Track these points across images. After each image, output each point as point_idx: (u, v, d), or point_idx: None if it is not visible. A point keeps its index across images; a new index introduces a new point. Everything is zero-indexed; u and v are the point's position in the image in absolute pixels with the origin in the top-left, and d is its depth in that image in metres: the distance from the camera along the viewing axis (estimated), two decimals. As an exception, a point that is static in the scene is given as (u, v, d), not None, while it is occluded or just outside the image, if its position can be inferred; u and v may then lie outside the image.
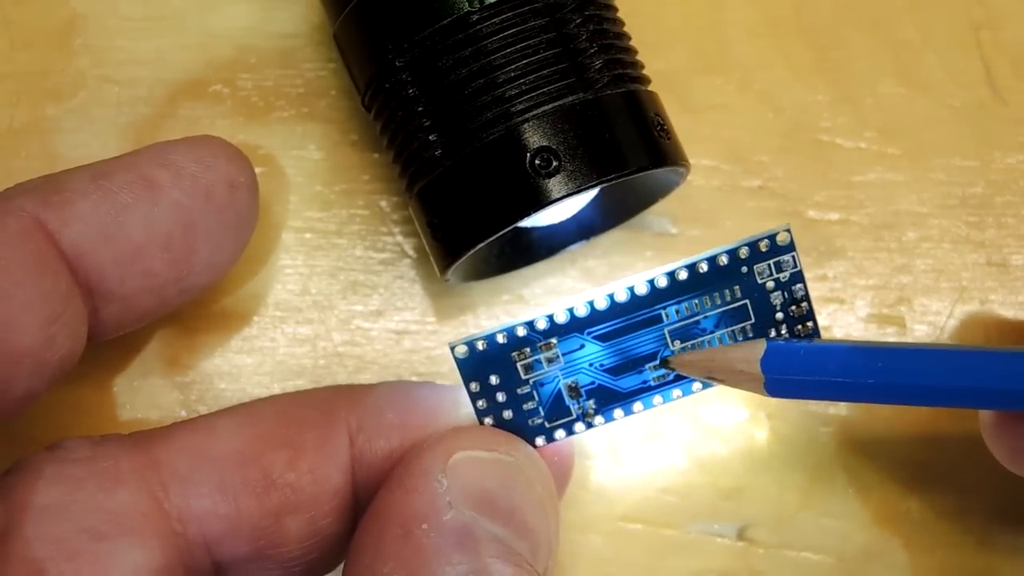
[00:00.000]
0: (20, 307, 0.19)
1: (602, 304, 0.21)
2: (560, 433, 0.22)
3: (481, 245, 0.23)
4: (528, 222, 0.24)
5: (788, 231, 0.21)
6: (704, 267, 0.21)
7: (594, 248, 0.28)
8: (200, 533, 0.20)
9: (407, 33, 0.23)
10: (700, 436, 0.28)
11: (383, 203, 0.28)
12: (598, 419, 0.22)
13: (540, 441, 0.22)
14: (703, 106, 0.29)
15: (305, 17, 0.29)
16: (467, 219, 0.23)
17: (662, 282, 0.21)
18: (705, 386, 0.22)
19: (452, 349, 0.21)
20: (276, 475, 0.21)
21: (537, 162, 0.23)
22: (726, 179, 0.29)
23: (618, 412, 0.22)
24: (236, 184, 0.22)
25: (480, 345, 0.21)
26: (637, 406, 0.22)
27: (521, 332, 0.21)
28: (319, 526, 0.21)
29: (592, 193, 0.26)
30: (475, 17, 0.23)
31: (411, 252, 0.28)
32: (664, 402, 0.22)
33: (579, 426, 0.22)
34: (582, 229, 0.28)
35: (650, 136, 0.24)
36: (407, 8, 0.23)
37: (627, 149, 0.23)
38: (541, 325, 0.21)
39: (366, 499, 0.21)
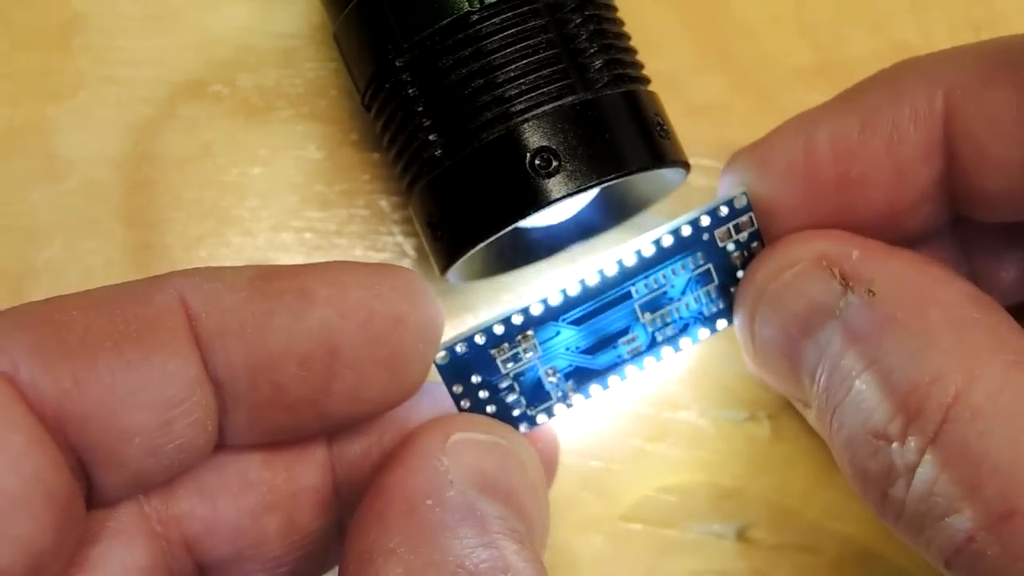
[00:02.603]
0: (139, 381, 0.18)
1: (575, 290, 0.21)
2: (542, 417, 0.22)
3: (481, 245, 0.23)
4: (528, 222, 0.24)
5: (745, 194, 0.21)
6: (669, 240, 0.21)
7: (594, 248, 0.28)
8: (180, 534, 0.20)
9: (407, 33, 0.23)
10: (700, 436, 0.28)
11: (383, 203, 0.28)
12: (576, 397, 0.22)
13: (523, 428, 0.22)
14: (703, 106, 0.29)
15: (305, 17, 0.29)
16: (467, 219, 0.23)
17: (629, 261, 0.21)
18: (676, 350, 0.22)
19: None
20: (251, 474, 0.21)
21: (537, 162, 0.23)
22: (726, 179, 0.29)
23: (595, 388, 0.22)
24: (403, 321, 0.20)
25: (460, 348, 0.21)
26: (613, 380, 0.22)
27: (499, 330, 0.21)
28: (299, 524, 0.21)
29: (592, 193, 0.26)
30: (475, 17, 0.23)
31: (411, 252, 0.28)
32: (640, 371, 0.22)
33: (559, 407, 0.22)
34: (582, 229, 0.28)
35: (650, 136, 0.24)
36: (407, 8, 0.23)
37: (627, 149, 0.23)
38: (517, 320, 0.21)
39: (349, 495, 0.21)
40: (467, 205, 0.23)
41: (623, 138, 0.23)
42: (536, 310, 0.21)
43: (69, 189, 0.28)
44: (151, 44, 0.29)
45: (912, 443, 0.18)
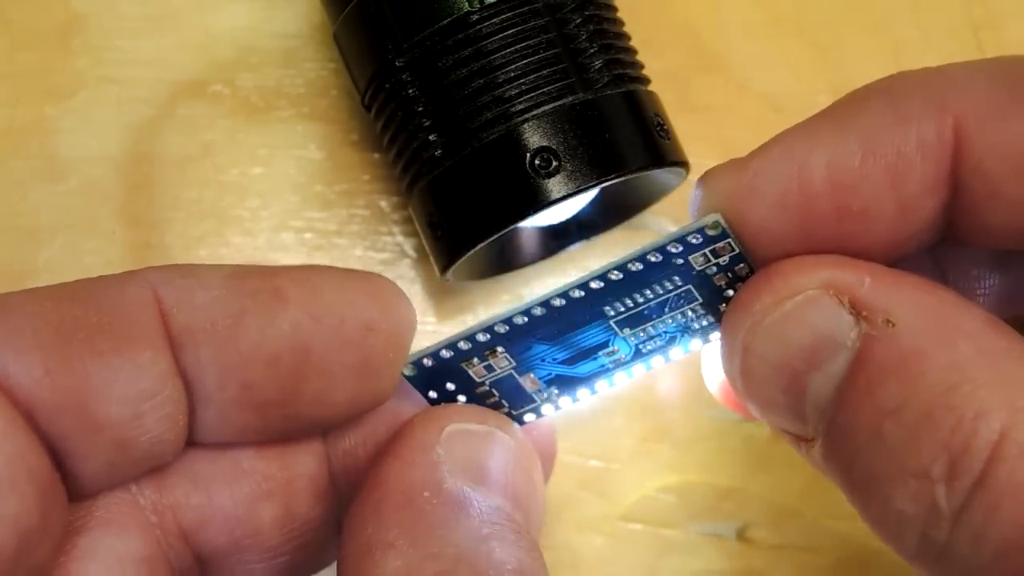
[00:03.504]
0: (111, 373, 0.18)
1: (539, 312, 0.20)
2: (530, 416, 0.22)
3: (481, 245, 0.23)
4: (528, 222, 0.24)
5: (719, 221, 0.20)
6: (637, 266, 0.20)
7: (594, 248, 0.28)
8: (175, 523, 0.20)
9: (407, 33, 0.23)
10: (700, 436, 0.28)
11: (383, 203, 0.28)
12: (564, 400, 0.22)
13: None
14: (703, 106, 0.29)
15: (306, 17, 0.29)
16: (467, 219, 0.23)
17: (596, 285, 0.20)
18: (667, 360, 0.22)
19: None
20: (245, 463, 0.20)
21: (537, 162, 0.23)
22: (726, 179, 0.29)
23: (583, 392, 0.22)
24: (373, 328, 0.20)
25: (427, 362, 0.20)
26: (601, 385, 0.22)
27: (464, 346, 0.20)
28: (296, 513, 0.21)
29: (592, 193, 0.26)
30: (475, 17, 0.23)
31: (411, 252, 0.28)
32: (629, 378, 0.22)
33: (547, 408, 0.22)
34: (582, 229, 0.28)
35: (650, 136, 0.24)
36: (407, 8, 0.23)
37: (627, 149, 0.23)
38: (482, 338, 0.20)
39: (345, 485, 0.21)
40: (467, 205, 0.23)
41: (623, 138, 0.23)
42: (501, 329, 0.20)
43: (69, 189, 0.28)
44: (151, 44, 0.29)
45: (959, 483, 0.17)
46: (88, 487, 0.19)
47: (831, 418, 0.19)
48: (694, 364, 0.28)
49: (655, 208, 0.27)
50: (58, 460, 0.18)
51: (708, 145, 0.29)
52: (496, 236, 0.23)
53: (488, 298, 0.28)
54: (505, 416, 0.21)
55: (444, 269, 0.24)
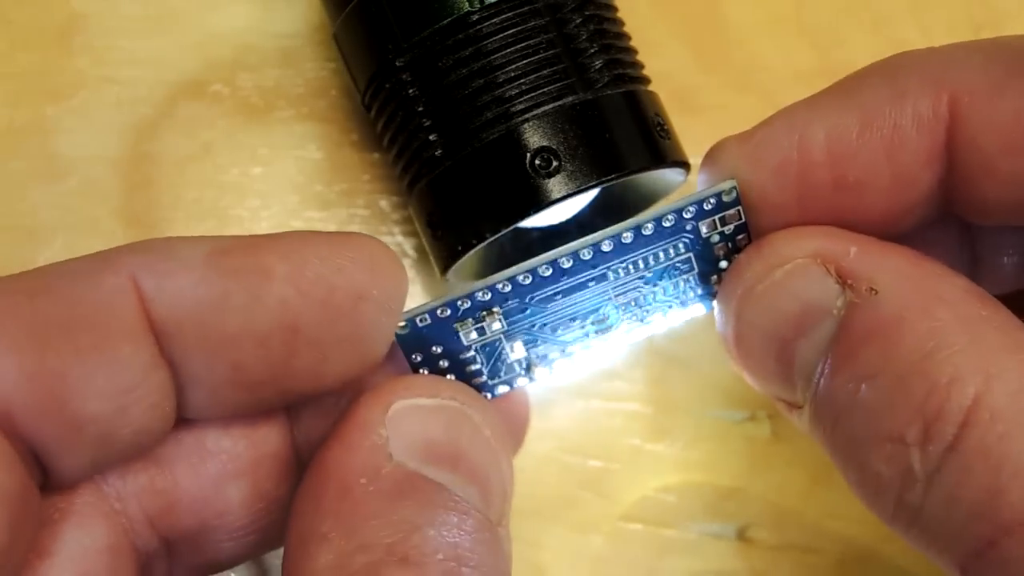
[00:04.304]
0: (90, 369, 0.17)
1: (546, 272, 0.20)
2: (503, 388, 0.22)
3: (481, 245, 0.23)
4: (528, 222, 0.24)
5: (735, 188, 0.20)
6: (649, 228, 0.20)
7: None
8: (140, 510, 0.20)
9: (407, 33, 0.23)
10: (700, 436, 0.28)
11: (383, 203, 0.28)
12: (539, 371, 0.22)
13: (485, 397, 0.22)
14: (703, 106, 0.29)
15: (305, 17, 0.29)
16: (467, 219, 0.23)
17: (607, 247, 0.20)
18: (643, 323, 0.22)
19: None
20: (210, 443, 0.20)
21: (537, 162, 0.23)
22: (726, 179, 0.29)
23: (559, 362, 0.22)
24: (365, 296, 0.19)
25: (420, 320, 0.20)
26: (575, 348, 0.21)
27: (464, 304, 0.20)
28: (263, 491, 0.21)
29: (592, 193, 0.26)
30: (475, 17, 0.23)
31: (411, 252, 0.28)
32: (604, 343, 0.22)
33: (521, 380, 0.21)
34: (582, 229, 0.28)
35: (650, 136, 0.24)
36: (407, 8, 0.23)
37: (627, 149, 0.23)
38: (483, 297, 0.20)
39: (309, 460, 0.21)
40: (467, 205, 0.23)
41: (623, 138, 0.23)
42: (504, 288, 0.20)
43: (69, 189, 0.28)
44: (151, 44, 0.29)
45: (932, 448, 0.17)
46: (68, 480, 0.19)
47: (817, 384, 0.19)
48: (695, 364, 0.28)
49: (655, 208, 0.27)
50: (39, 458, 0.18)
51: (708, 145, 0.29)
52: (496, 236, 0.23)
53: (488, 298, 0.28)
54: (464, 385, 0.21)
55: (444, 269, 0.24)
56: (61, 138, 0.28)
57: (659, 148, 0.24)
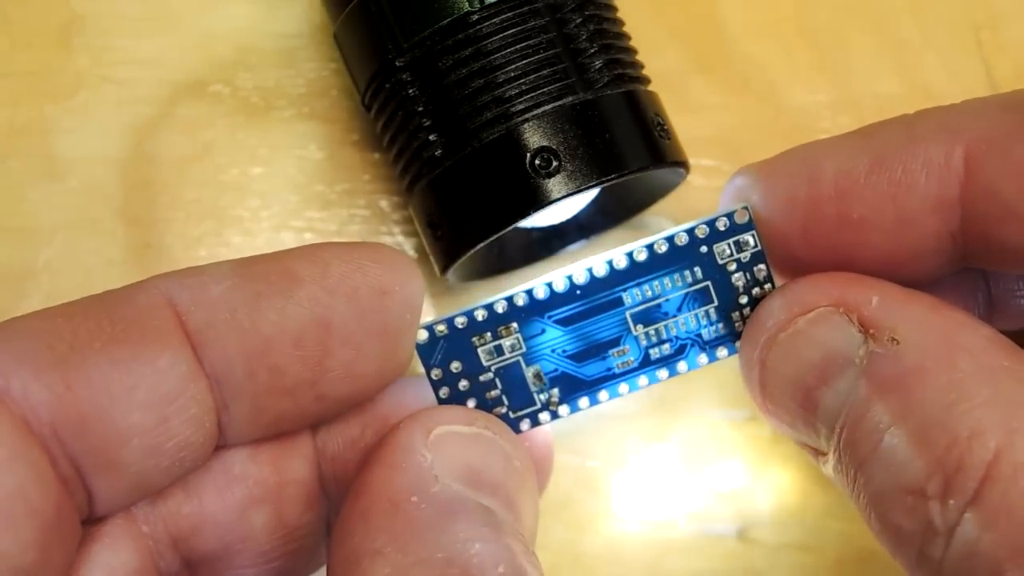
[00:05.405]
0: (131, 381, 0.18)
1: (561, 285, 0.20)
2: (525, 424, 0.22)
3: (481, 245, 0.23)
4: (528, 222, 0.24)
5: (747, 209, 0.20)
6: (663, 246, 0.20)
7: (594, 248, 0.28)
8: (166, 532, 0.20)
9: (407, 33, 0.23)
10: (700, 436, 0.28)
11: (383, 203, 0.28)
12: (563, 408, 0.21)
13: None
14: (703, 106, 0.29)
15: (306, 17, 0.29)
16: (467, 219, 0.23)
17: (621, 262, 0.20)
18: (672, 374, 0.22)
19: None
20: (237, 469, 0.20)
21: (537, 162, 0.23)
22: (726, 179, 0.29)
23: (583, 401, 0.21)
24: (387, 291, 0.20)
25: (440, 329, 0.20)
26: (603, 395, 0.22)
27: (481, 315, 0.20)
28: (287, 519, 0.21)
29: (592, 193, 0.26)
30: (475, 17, 0.23)
31: (411, 252, 0.28)
32: (631, 391, 0.22)
33: (544, 416, 0.21)
34: (582, 229, 0.28)
35: (650, 136, 0.24)
36: (407, 8, 0.23)
37: (627, 149, 0.23)
38: (500, 308, 0.20)
39: (335, 490, 0.21)
40: (467, 205, 0.23)
41: (623, 138, 0.23)
42: (520, 300, 0.21)
43: (69, 189, 0.28)
44: (151, 44, 0.29)
45: (952, 502, 0.17)
46: (111, 505, 0.19)
47: (840, 433, 0.19)
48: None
49: (655, 208, 0.27)
50: (84, 481, 0.18)
51: (708, 145, 0.29)
52: (496, 236, 0.23)
53: (488, 298, 0.28)
54: (495, 417, 0.21)
55: (444, 269, 0.24)
56: (61, 138, 0.28)
57: (659, 148, 0.24)
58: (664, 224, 0.29)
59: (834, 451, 0.20)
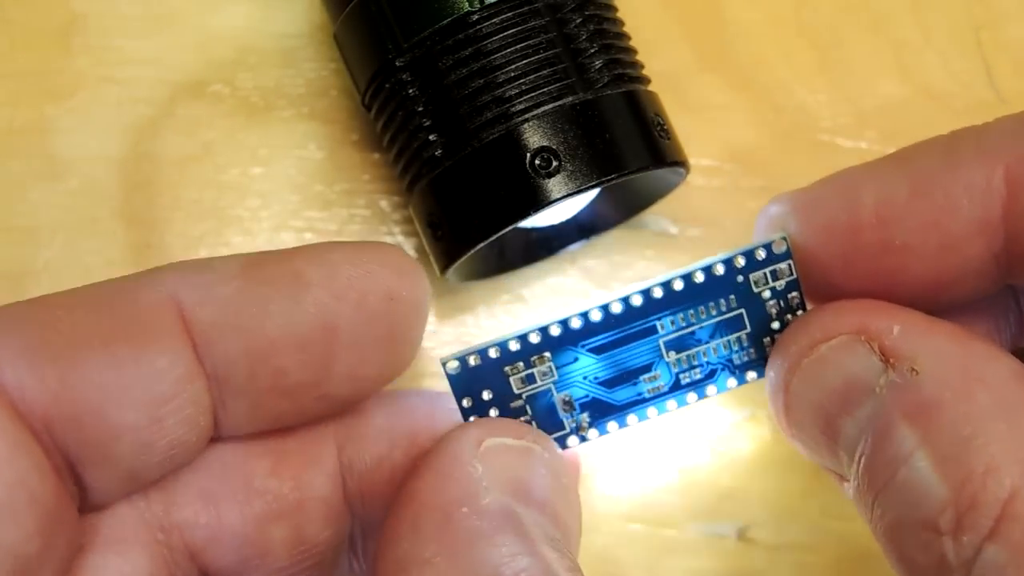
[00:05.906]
0: (128, 380, 0.18)
1: (596, 316, 0.20)
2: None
3: (481, 245, 0.23)
4: (528, 222, 0.24)
5: (785, 239, 0.20)
6: (700, 277, 0.20)
7: (594, 248, 0.28)
8: (183, 542, 0.20)
9: (407, 33, 0.23)
10: (700, 436, 0.28)
11: (383, 203, 0.28)
12: (592, 432, 0.21)
13: None
14: (703, 106, 0.29)
15: (306, 17, 0.29)
16: (467, 219, 0.23)
17: (657, 293, 0.20)
18: (700, 397, 0.22)
19: (444, 365, 0.20)
20: (257, 482, 0.20)
21: (537, 162, 0.23)
22: (726, 179, 0.29)
23: (612, 425, 0.21)
24: (395, 297, 0.20)
25: (472, 360, 0.20)
26: (631, 419, 0.21)
27: (514, 347, 0.20)
28: (306, 535, 0.21)
29: (592, 193, 0.26)
30: (475, 17, 0.23)
31: (411, 252, 0.28)
32: (659, 414, 0.22)
33: (572, 439, 0.21)
34: (582, 229, 0.28)
35: (650, 136, 0.24)
36: (407, 8, 0.23)
37: (627, 149, 0.23)
38: (535, 339, 0.20)
39: (360, 508, 0.21)
40: (467, 205, 0.23)
41: (623, 138, 0.23)
42: (555, 331, 0.20)
43: (69, 189, 0.28)
44: (151, 44, 0.29)
45: (966, 538, 0.17)
46: (104, 497, 0.19)
47: (859, 462, 0.19)
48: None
49: (655, 208, 0.27)
50: (76, 473, 0.18)
51: (708, 145, 0.29)
52: (496, 236, 0.23)
53: (488, 298, 0.28)
54: (543, 433, 0.21)
55: (444, 269, 0.24)
56: (61, 138, 0.28)
57: (659, 148, 0.24)
58: (664, 224, 0.29)
59: (854, 478, 0.19)
